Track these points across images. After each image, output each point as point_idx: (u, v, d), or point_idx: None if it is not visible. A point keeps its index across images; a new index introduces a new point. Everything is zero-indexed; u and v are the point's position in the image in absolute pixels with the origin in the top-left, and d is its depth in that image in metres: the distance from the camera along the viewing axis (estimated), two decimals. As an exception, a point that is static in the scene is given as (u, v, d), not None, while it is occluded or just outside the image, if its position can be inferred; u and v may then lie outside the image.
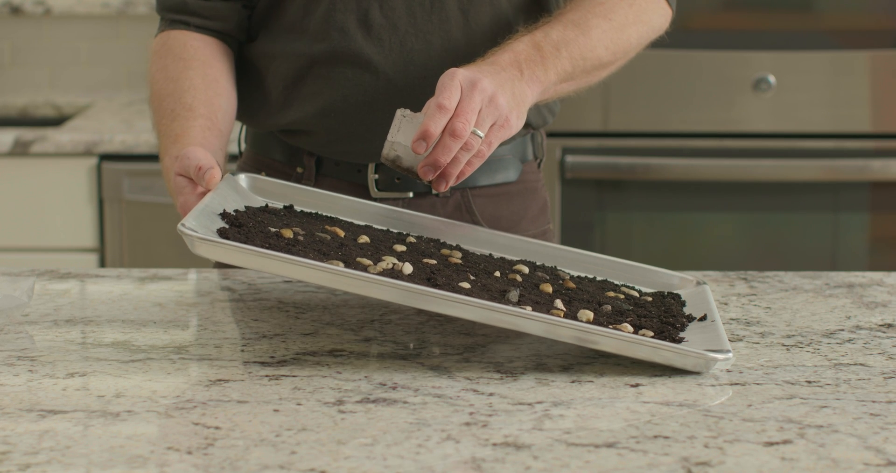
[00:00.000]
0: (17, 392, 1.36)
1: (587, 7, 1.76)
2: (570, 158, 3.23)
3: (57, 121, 3.78)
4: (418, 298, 1.41)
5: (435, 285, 1.45)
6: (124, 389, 1.37)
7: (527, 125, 1.92)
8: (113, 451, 1.21)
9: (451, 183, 1.60)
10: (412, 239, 1.67)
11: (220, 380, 1.40)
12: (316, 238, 1.55)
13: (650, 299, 1.63)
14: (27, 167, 3.31)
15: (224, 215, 1.54)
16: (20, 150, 3.29)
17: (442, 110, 1.55)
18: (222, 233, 1.48)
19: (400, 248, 1.60)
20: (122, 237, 3.33)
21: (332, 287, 1.43)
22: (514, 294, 1.49)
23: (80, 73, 3.98)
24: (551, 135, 3.21)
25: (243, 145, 2.00)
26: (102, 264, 3.34)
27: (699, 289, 1.66)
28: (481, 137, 1.57)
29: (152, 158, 3.26)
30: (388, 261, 1.50)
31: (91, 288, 1.79)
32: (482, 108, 1.57)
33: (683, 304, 1.63)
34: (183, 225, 1.43)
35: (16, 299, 1.63)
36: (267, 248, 1.45)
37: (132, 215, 3.33)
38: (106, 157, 3.32)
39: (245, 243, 1.45)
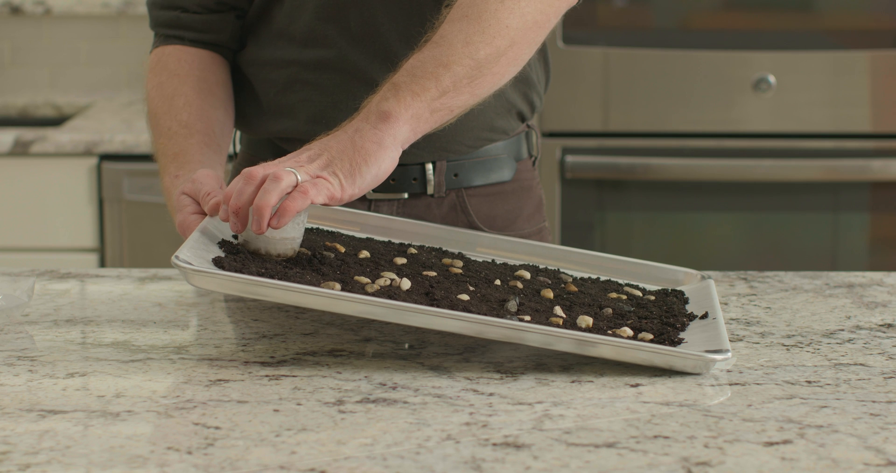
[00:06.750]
0: (17, 392, 1.36)
1: (449, 16, 1.66)
2: (570, 158, 3.23)
3: (57, 121, 3.78)
4: (414, 316, 1.41)
5: (433, 300, 1.45)
6: (124, 389, 1.37)
7: (519, 116, 1.91)
8: (113, 451, 1.21)
9: (267, 216, 1.48)
10: (413, 250, 1.67)
11: (220, 380, 1.40)
12: (315, 257, 1.54)
13: (653, 297, 1.63)
14: (27, 167, 3.31)
15: (222, 243, 1.53)
16: (20, 150, 3.29)
17: (241, 175, 1.50)
18: (217, 262, 1.46)
19: (400, 260, 1.59)
20: (122, 237, 3.33)
21: (329, 311, 1.43)
22: (512, 304, 1.48)
23: (80, 73, 3.98)
24: (552, 135, 3.21)
25: (238, 146, 2.00)
26: (102, 264, 3.34)
27: (704, 284, 1.66)
28: (295, 172, 1.49)
29: (152, 158, 3.25)
30: (387, 277, 1.50)
31: (91, 288, 1.79)
32: (289, 161, 1.51)
33: (686, 301, 1.63)
34: (177, 257, 1.42)
35: (16, 299, 1.63)
36: (262, 274, 1.44)
37: (132, 215, 3.33)
38: (106, 157, 3.32)
39: (240, 271, 1.44)
